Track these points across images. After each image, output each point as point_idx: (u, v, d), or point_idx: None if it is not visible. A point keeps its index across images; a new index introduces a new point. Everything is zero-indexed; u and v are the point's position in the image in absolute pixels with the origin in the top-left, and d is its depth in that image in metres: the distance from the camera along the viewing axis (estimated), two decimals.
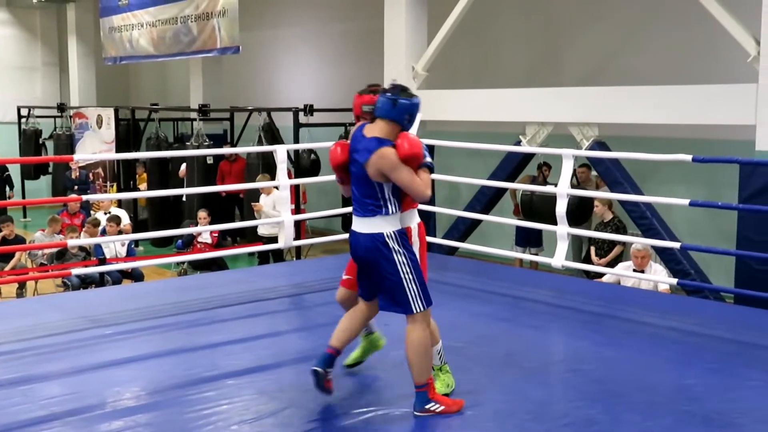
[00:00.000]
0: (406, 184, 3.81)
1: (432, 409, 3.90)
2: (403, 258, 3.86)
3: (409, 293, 3.86)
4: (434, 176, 8.49)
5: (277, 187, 7.56)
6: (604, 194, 8.66)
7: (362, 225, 3.93)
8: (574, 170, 6.85)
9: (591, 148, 8.41)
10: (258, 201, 10.75)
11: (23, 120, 17.67)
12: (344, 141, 4.08)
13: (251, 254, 11.34)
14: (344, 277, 4.45)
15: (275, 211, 10.03)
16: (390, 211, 3.89)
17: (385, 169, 3.79)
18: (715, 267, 8.50)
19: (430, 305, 3.92)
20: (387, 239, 3.86)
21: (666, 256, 7.99)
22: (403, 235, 3.92)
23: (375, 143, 3.81)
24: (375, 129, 3.89)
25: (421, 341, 3.87)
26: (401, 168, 3.79)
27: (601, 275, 7.53)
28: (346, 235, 8.36)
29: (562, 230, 6.59)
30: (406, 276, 3.85)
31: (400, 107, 3.86)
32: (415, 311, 3.87)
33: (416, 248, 4.05)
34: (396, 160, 3.78)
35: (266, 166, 11.57)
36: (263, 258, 10.67)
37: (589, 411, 4.04)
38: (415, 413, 3.90)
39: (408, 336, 3.90)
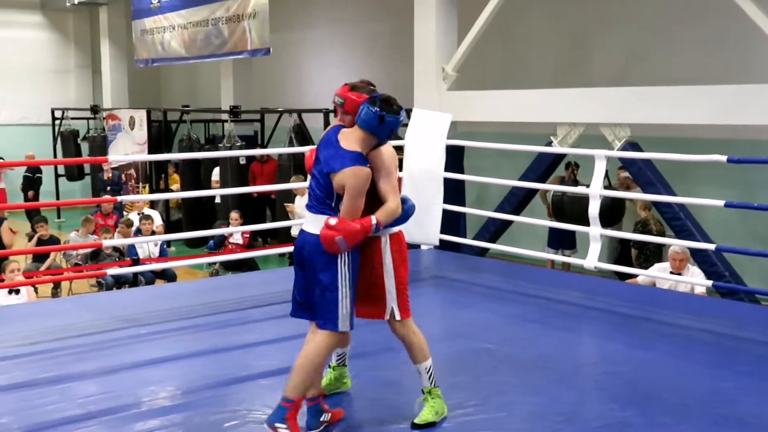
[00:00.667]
0: (346, 208, 3.61)
1: (279, 429, 3.59)
2: (346, 269, 3.65)
3: (340, 310, 3.65)
4: (464, 177, 8.54)
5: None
6: (637, 195, 8.61)
7: (314, 224, 3.70)
8: (606, 171, 6.80)
9: (623, 148, 8.35)
10: (291, 202, 10.81)
11: (57, 122, 17.90)
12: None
13: (282, 255, 11.39)
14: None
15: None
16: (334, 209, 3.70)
17: (347, 184, 3.60)
18: (750, 269, 8.41)
19: (344, 330, 3.71)
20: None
21: (700, 258, 7.92)
22: (353, 251, 3.66)
23: (352, 160, 3.62)
24: (352, 138, 3.70)
25: (312, 355, 3.67)
26: (358, 195, 3.61)
27: (634, 276, 7.48)
28: None
29: (595, 231, 6.55)
30: (343, 290, 3.65)
31: (386, 125, 3.67)
32: (327, 328, 3.68)
33: (388, 261, 3.77)
34: (362, 186, 3.61)
35: (297, 167, 11.62)
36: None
37: (623, 413, 4.01)
38: (265, 424, 3.66)
39: (308, 344, 3.70)
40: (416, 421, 3.80)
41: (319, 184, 3.74)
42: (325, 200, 3.70)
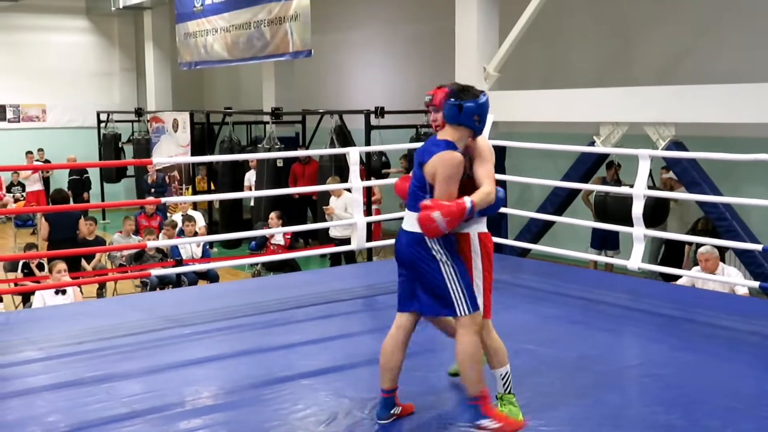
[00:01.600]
0: (440, 193, 3.66)
1: (488, 426, 3.66)
2: (447, 259, 3.71)
3: (453, 295, 3.70)
4: (506, 177, 8.50)
5: (349, 189, 7.62)
6: (683, 195, 8.50)
7: (407, 221, 3.81)
8: (651, 171, 6.73)
9: (668, 148, 8.25)
10: (328, 203, 10.86)
11: (102, 125, 18.17)
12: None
13: (323, 256, 11.44)
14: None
15: (347, 213, 10.11)
16: None
17: (437, 170, 3.66)
18: None
19: (476, 310, 3.74)
20: (429, 240, 3.70)
21: (746, 259, 7.79)
22: (449, 243, 3.74)
23: (444, 145, 3.71)
24: (446, 135, 3.78)
25: (466, 349, 3.68)
26: (450, 180, 3.65)
27: (678, 278, 7.38)
28: None
29: (639, 232, 6.48)
30: (451, 277, 3.70)
31: (466, 111, 3.71)
32: (460, 314, 3.70)
33: (477, 258, 3.82)
34: (452, 169, 3.65)
35: (338, 168, 11.65)
36: (335, 260, 10.75)
37: (667, 416, 3.97)
38: (474, 427, 3.72)
39: (457, 342, 3.72)
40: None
41: (415, 180, 3.82)
42: (418, 193, 3.77)
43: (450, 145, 3.71)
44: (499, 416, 3.71)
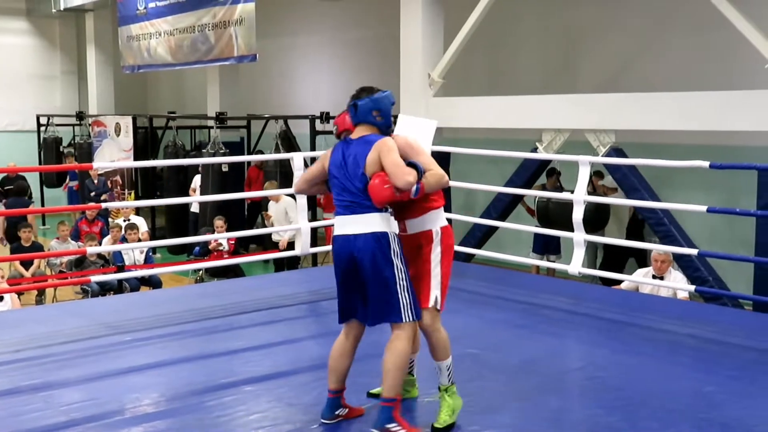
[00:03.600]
0: (392, 169, 3.63)
1: (392, 429, 3.65)
2: (401, 263, 3.71)
3: (401, 301, 3.68)
4: (451, 183, 8.54)
5: (293, 195, 7.58)
6: (622, 201, 8.65)
7: (357, 224, 3.72)
8: (591, 177, 6.84)
9: (608, 154, 8.39)
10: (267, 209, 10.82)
11: (42, 128, 17.83)
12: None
13: (266, 262, 11.37)
14: None
15: (287, 218, 10.10)
16: (390, 211, 3.79)
17: (383, 151, 3.68)
18: (734, 274, 8.46)
19: (419, 318, 3.76)
20: (391, 240, 3.71)
21: (684, 263, 7.95)
22: (401, 246, 3.76)
23: (373, 137, 3.77)
24: (358, 133, 3.84)
25: (402, 354, 3.69)
26: (394, 152, 3.69)
27: (618, 282, 7.51)
28: None
29: (579, 237, 6.58)
30: (402, 283, 3.69)
31: (361, 109, 3.80)
32: (404, 321, 3.70)
33: (437, 253, 3.85)
34: (393, 146, 3.71)
35: (283, 174, 11.60)
36: (279, 265, 10.70)
37: (608, 419, 4.03)
38: (373, 429, 3.70)
39: (390, 346, 3.71)
40: (436, 425, 3.82)
41: (346, 184, 3.76)
42: (360, 196, 3.72)
43: (379, 136, 3.78)
44: (404, 424, 3.69)
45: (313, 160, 11.89)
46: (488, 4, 9.29)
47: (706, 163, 5.95)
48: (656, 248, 7.13)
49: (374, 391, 4.12)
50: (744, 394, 4.40)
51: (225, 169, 12.85)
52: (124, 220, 11.27)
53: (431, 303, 3.83)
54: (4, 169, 10.40)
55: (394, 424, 3.67)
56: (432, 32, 9.93)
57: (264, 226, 11.57)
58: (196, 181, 13.30)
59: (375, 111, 3.81)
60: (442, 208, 3.97)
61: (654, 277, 7.12)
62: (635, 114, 8.30)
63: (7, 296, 7.81)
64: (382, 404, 3.74)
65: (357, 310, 3.81)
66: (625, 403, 4.24)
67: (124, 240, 10.44)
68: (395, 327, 3.73)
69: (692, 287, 6.61)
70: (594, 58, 11.42)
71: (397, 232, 3.80)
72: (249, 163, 13.04)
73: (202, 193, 12.55)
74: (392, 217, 3.81)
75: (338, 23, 15.35)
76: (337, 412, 3.90)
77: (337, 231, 3.80)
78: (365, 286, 3.72)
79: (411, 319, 3.71)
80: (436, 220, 3.92)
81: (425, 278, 3.85)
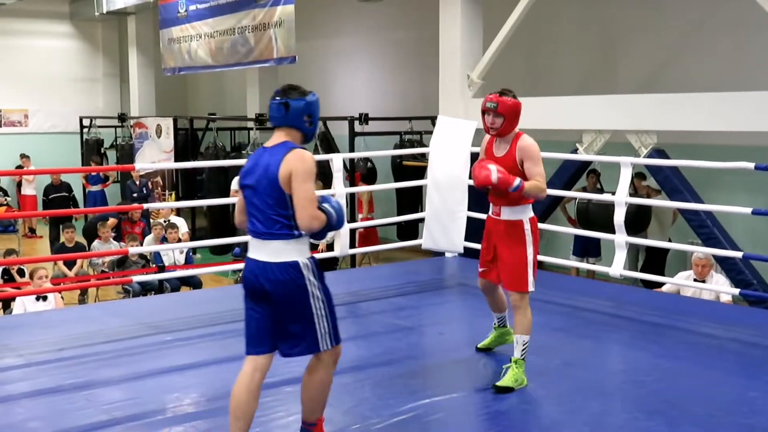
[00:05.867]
0: (303, 203, 3.29)
1: None
2: (317, 291, 3.43)
3: (318, 330, 3.44)
4: None
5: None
6: (664, 202, 8.54)
7: (268, 252, 3.39)
8: (632, 179, 6.77)
9: (650, 156, 8.30)
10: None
11: (85, 130, 18.10)
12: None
13: None
14: (480, 269, 4.73)
15: None
16: (301, 233, 3.41)
17: (296, 174, 3.30)
18: None
19: (338, 343, 3.53)
20: (303, 269, 3.41)
21: (727, 266, 7.84)
22: (315, 263, 3.48)
23: (284, 147, 3.38)
24: (277, 139, 3.47)
25: (324, 382, 3.52)
26: (310, 181, 3.33)
27: (661, 285, 7.42)
28: (403, 243, 8.36)
29: (620, 239, 6.51)
30: (319, 312, 3.42)
31: (293, 111, 3.43)
32: (322, 349, 3.46)
33: (530, 242, 4.42)
34: (311, 169, 3.33)
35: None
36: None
37: (648, 423, 3.99)
38: None
39: (310, 375, 3.52)
40: (498, 383, 4.32)
41: (267, 197, 3.39)
42: (280, 216, 3.38)
43: (294, 145, 3.41)
44: None
45: (352, 161, 11.97)
46: (527, 5, 9.24)
47: (751, 165, 5.85)
48: (700, 251, 7.02)
49: (481, 345, 4.98)
50: None
51: None
52: (165, 221, 11.39)
53: (530, 287, 4.43)
54: (45, 171, 10.54)
55: None
56: (471, 33, 9.89)
57: None
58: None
59: (307, 115, 3.46)
60: (531, 205, 4.51)
61: (695, 280, 7.03)
62: (676, 115, 8.20)
63: (50, 296, 7.93)
64: (303, 426, 3.66)
65: (269, 339, 3.51)
66: (665, 407, 4.19)
67: (164, 240, 10.55)
68: (315, 358, 3.53)
69: (736, 291, 6.51)
70: (634, 59, 11.30)
71: (309, 254, 3.49)
72: None
73: None
74: (306, 236, 3.46)
75: (376, 24, 15.36)
76: None
77: (250, 254, 3.48)
78: (279, 314, 3.45)
79: (329, 346, 3.48)
80: (525, 212, 4.48)
81: (523, 264, 4.42)
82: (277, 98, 3.46)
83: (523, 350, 4.39)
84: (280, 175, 3.32)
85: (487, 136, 4.74)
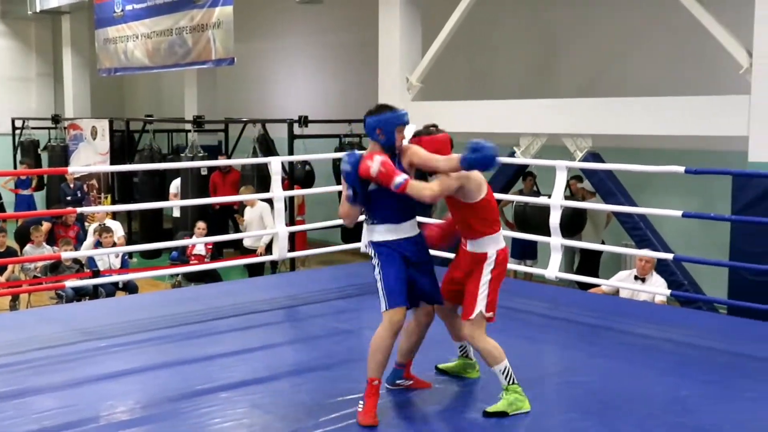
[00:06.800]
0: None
1: (358, 406, 4.01)
2: (377, 261, 4.12)
3: (380, 291, 4.08)
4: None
5: (269, 200, 7.56)
6: (598, 205, 8.69)
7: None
8: (568, 182, 6.89)
9: (585, 159, 8.43)
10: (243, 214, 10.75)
11: (17, 131, 17.68)
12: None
13: (245, 266, 11.32)
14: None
15: (264, 223, 10.07)
16: (371, 221, 4.19)
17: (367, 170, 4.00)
18: (709, 278, 8.51)
19: (393, 306, 4.05)
20: (368, 246, 4.19)
21: (659, 267, 8.00)
22: (380, 246, 4.13)
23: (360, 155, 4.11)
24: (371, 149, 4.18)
25: (377, 337, 4.04)
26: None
27: (596, 286, 7.54)
28: (343, 246, 8.33)
29: (556, 241, 6.60)
30: (379, 275, 4.10)
31: (366, 127, 4.16)
32: (382, 309, 4.06)
33: (487, 272, 4.23)
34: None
35: (261, 177, 11.56)
36: (253, 270, 10.61)
37: (584, 423, 4.04)
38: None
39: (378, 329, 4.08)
40: (488, 409, 4.13)
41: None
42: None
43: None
44: (368, 406, 3.97)
45: (291, 164, 11.90)
46: (466, 8, 9.32)
47: (681, 168, 5.99)
48: (633, 253, 7.17)
49: (442, 366, 4.73)
50: (718, 398, 4.43)
51: (204, 172, 12.79)
52: (100, 225, 11.18)
53: (473, 315, 4.17)
54: None
55: (360, 402, 4.01)
56: (410, 36, 9.94)
57: (237, 230, 11.51)
58: (176, 185, 13.21)
59: (377, 129, 4.12)
60: (499, 233, 4.32)
61: (636, 278, 7.16)
62: (612, 119, 8.35)
63: None
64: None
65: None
66: (601, 407, 4.25)
67: (98, 244, 10.34)
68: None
69: (668, 291, 6.66)
70: (572, 63, 11.47)
71: (376, 239, 4.15)
72: (212, 168, 12.94)
73: (182, 198, 12.46)
74: (373, 225, 4.17)
75: (316, 26, 15.33)
76: (398, 381, 4.41)
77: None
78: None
79: (385, 307, 4.06)
80: (491, 244, 4.28)
81: (473, 293, 4.21)
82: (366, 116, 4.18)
83: (506, 377, 4.17)
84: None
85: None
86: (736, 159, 7.44)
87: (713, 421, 4.09)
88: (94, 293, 9.60)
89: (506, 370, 4.17)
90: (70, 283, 8.20)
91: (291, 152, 11.63)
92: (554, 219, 6.56)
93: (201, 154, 12.88)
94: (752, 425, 4.08)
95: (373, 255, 4.16)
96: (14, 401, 4.32)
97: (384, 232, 4.15)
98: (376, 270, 4.12)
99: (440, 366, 4.74)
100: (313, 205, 13.25)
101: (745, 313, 6.21)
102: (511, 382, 4.16)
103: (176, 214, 13.23)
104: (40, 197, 17.72)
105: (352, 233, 11.59)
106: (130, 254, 12.03)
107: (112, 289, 9.77)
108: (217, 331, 5.77)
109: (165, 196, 13.32)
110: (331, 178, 12.41)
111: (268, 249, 9.93)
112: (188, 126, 14.23)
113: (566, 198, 8.67)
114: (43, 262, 10.00)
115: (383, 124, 4.12)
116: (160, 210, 13.39)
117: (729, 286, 7.22)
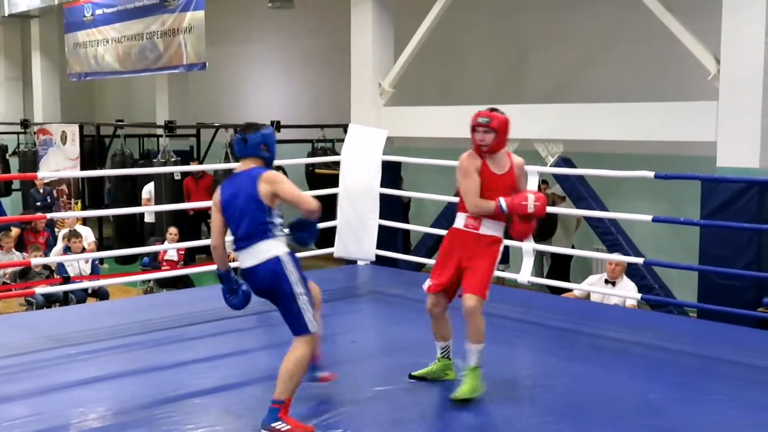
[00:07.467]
0: (294, 198, 4.04)
1: (278, 428, 3.82)
2: (296, 279, 3.97)
3: (304, 314, 3.94)
4: (400, 192, 8.56)
5: None
6: (570, 210, 8.75)
7: (252, 256, 4.05)
8: (539, 186, 6.94)
9: (556, 164, 8.49)
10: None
11: None
12: None
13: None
14: (429, 283, 4.58)
15: None
16: (276, 234, 4.07)
17: (277, 187, 4.00)
18: (679, 282, 8.61)
19: (315, 330, 3.98)
20: (284, 262, 3.98)
21: (630, 271, 8.07)
22: (293, 256, 4.04)
23: (256, 170, 4.04)
24: (245, 166, 4.10)
25: (302, 360, 3.91)
26: (287, 182, 4.08)
27: (568, 290, 7.59)
28: (316, 252, 8.33)
29: (528, 246, 6.64)
30: (301, 297, 3.94)
31: (250, 142, 4.08)
32: (311, 331, 3.95)
33: (497, 255, 4.47)
34: (283, 178, 4.08)
35: None
36: None
37: (557, 426, 4.07)
38: (262, 429, 3.83)
39: (294, 352, 3.92)
40: (455, 395, 4.23)
41: (248, 213, 4.06)
42: (258, 224, 4.06)
43: (263, 169, 4.07)
44: (291, 422, 3.85)
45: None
46: (438, 14, 9.35)
47: (651, 174, 6.06)
48: (604, 257, 7.23)
49: (416, 373, 4.63)
50: (687, 400, 4.49)
51: (177, 177, 12.71)
52: (69, 231, 11.07)
53: (486, 293, 4.37)
54: None
55: (280, 423, 3.82)
56: (382, 41, 9.96)
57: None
58: (149, 190, 13.11)
59: (263, 145, 4.10)
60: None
61: (606, 281, 7.22)
62: (583, 124, 8.42)
63: None
64: (271, 406, 3.85)
65: None
66: (573, 410, 4.29)
67: (68, 250, 10.24)
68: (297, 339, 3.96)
69: (638, 295, 6.72)
70: (543, 69, 11.55)
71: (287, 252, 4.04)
72: (185, 174, 12.86)
73: (156, 203, 12.37)
74: (280, 236, 4.07)
75: (289, 32, 15.31)
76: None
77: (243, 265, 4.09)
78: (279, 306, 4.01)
79: (313, 330, 3.95)
80: (500, 229, 4.50)
81: (487, 273, 4.38)
82: (237, 135, 4.12)
83: (478, 358, 4.31)
84: (261, 192, 3.99)
85: (465, 156, 4.84)
86: (705, 164, 7.52)
87: (683, 423, 4.13)
88: (64, 299, 9.51)
89: (482, 352, 4.33)
90: (40, 289, 8.12)
91: None
92: None
93: (174, 159, 12.81)
94: (721, 426, 4.13)
95: (291, 268, 4.02)
96: None
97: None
98: (298, 285, 3.99)
99: (415, 373, 4.65)
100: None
101: (715, 316, 6.29)
102: (479, 364, 4.32)
103: (149, 219, 13.13)
104: (11, 202, 17.54)
105: (322, 238, 11.58)
106: (102, 260, 11.92)
107: (82, 296, 9.67)
108: (189, 337, 5.74)
109: (138, 202, 13.21)
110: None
111: None
112: (160, 131, 14.13)
113: None
114: (13, 268, 9.89)
115: (267, 138, 4.13)
116: (133, 216, 13.27)
117: (698, 290, 7.30)
